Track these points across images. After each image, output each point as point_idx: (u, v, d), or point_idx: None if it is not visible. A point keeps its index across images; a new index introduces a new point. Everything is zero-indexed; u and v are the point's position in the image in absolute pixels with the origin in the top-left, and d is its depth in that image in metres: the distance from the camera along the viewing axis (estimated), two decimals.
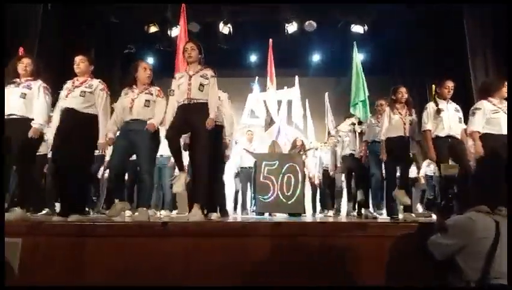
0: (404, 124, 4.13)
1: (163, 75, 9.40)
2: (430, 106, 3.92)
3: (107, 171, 5.51)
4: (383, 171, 4.44)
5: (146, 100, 3.39)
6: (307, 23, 7.78)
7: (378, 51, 8.85)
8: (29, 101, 3.28)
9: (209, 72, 3.43)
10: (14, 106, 3.21)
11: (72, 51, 3.62)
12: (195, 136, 3.33)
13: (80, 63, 3.37)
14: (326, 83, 8.85)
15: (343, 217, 5.69)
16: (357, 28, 7.84)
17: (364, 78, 5.73)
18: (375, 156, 4.43)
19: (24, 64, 3.35)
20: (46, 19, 6.07)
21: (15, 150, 3.15)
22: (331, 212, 6.13)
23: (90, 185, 4.98)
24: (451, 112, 3.88)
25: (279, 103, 7.46)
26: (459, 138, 3.82)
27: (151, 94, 3.45)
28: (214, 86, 3.43)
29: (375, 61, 9.00)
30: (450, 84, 3.91)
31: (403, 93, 4.21)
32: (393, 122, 4.15)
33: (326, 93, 7.98)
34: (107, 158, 5.27)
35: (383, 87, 9.33)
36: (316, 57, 9.14)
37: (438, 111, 3.82)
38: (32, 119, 3.25)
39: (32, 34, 5.87)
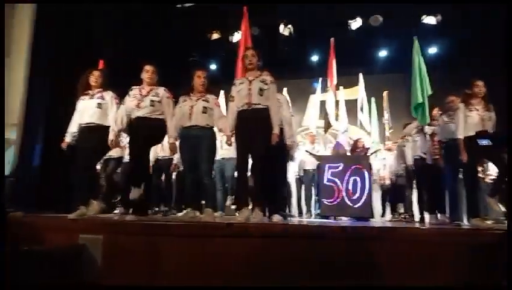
0: (483, 120, 3.72)
1: (226, 81, 9.75)
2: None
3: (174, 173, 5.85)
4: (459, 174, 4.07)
5: (204, 107, 3.54)
6: (372, 17, 7.43)
7: (454, 42, 8.09)
8: (104, 110, 3.59)
9: (268, 78, 3.44)
10: (91, 115, 3.54)
11: (137, 60, 3.89)
12: (255, 140, 3.34)
13: (152, 73, 3.60)
14: (393, 79, 8.37)
15: (414, 221, 5.32)
16: (429, 19, 7.26)
17: (425, 77, 5.25)
18: (451, 156, 4.05)
19: (95, 77, 3.68)
20: (116, 32, 6.62)
21: (89, 153, 3.45)
22: (401, 216, 5.78)
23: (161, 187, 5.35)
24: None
25: (342, 103, 7.25)
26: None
27: (208, 102, 3.59)
28: (274, 93, 3.44)
29: (450, 56, 8.26)
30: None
31: (481, 86, 3.80)
32: (469, 120, 3.77)
33: (385, 92, 7.57)
34: (174, 161, 5.59)
35: (460, 81, 8.60)
36: (382, 53, 8.66)
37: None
38: (107, 127, 3.55)
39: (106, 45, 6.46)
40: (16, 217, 3.01)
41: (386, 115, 7.68)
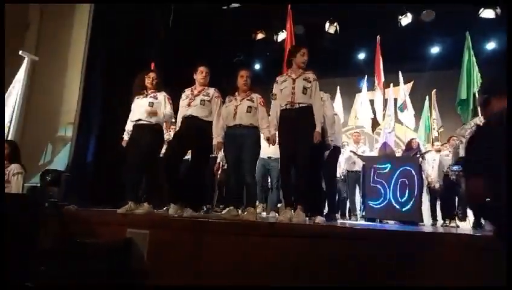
0: None
1: (271, 80, 9.76)
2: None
3: (219, 172, 5.95)
4: None
5: (248, 106, 3.58)
6: (423, 12, 7.04)
7: None
8: (155, 109, 3.76)
9: (311, 76, 3.40)
10: (143, 113, 3.70)
11: (186, 62, 4.01)
12: (299, 140, 3.29)
13: (205, 74, 3.72)
14: (446, 77, 7.88)
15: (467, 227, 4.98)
16: (487, 13, 6.75)
17: (476, 73, 4.89)
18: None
19: (151, 78, 3.86)
20: (166, 33, 6.87)
21: (142, 152, 3.61)
22: (454, 223, 5.42)
23: (207, 184, 5.44)
24: None
25: (390, 102, 6.96)
26: None
27: (253, 101, 3.62)
28: (317, 91, 3.39)
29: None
30: None
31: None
32: None
33: (434, 91, 7.14)
34: (218, 160, 5.68)
35: None
36: (434, 50, 8.17)
37: None
38: (158, 125, 3.70)
39: (158, 48, 6.73)
40: (70, 210, 3.23)
41: (435, 114, 7.25)
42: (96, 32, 5.74)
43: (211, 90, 3.68)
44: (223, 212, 4.48)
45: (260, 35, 8.13)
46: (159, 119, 3.74)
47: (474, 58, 5.14)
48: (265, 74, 9.24)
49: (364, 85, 7.82)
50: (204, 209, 5.28)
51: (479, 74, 5.01)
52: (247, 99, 3.62)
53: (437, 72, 8.02)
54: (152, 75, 3.90)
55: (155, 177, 3.76)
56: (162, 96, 3.82)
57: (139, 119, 3.72)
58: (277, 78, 3.56)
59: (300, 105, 3.30)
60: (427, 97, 7.50)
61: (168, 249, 2.61)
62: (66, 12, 5.94)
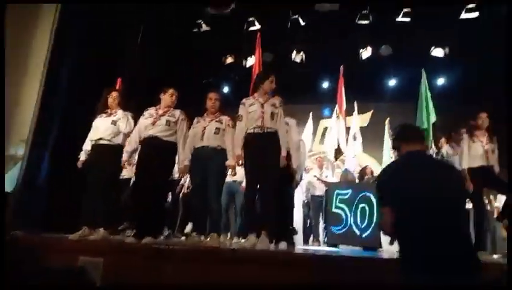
0: (486, 152, 3.72)
1: (238, 103, 9.87)
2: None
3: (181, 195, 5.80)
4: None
5: (216, 128, 3.57)
6: (382, 47, 7.52)
7: (461, 74, 8.15)
8: (117, 129, 3.66)
9: (277, 101, 3.49)
10: (104, 133, 3.58)
11: (158, 83, 3.96)
12: (266, 164, 3.32)
13: (175, 97, 3.68)
14: (403, 108, 8.36)
15: None
16: (437, 52, 7.34)
17: (431, 105, 5.35)
18: None
19: (113, 97, 3.80)
20: (134, 52, 6.78)
21: (100, 173, 3.46)
22: None
23: (166, 209, 5.26)
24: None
25: (352, 129, 7.22)
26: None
27: (221, 123, 3.62)
28: (282, 117, 3.47)
29: (457, 87, 8.29)
30: None
31: (483, 118, 3.84)
32: (472, 151, 3.77)
33: (387, 120, 7.53)
34: (182, 182, 5.56)
35: (463, 113, 8.60)
36: (392, 82, 8.73)
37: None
38: (119, 145, 3.59)
39: (127, 65, 6.61)
40: (17, 236, 3.00)
41: (389, 143, 7.61)
42: (59, 45, 5.49)
43: (177, 112, 3.65)
44: (184, 239, 4.35)
45: (229, 60, 8.26)
46: (121, 139, 3.63)
47: (429, 93, 5.57)
48: (233, 98, 9.39)
49: (327, 112, 8.10)
50: (165, 234, 5.10)
51: (433, 108, 5.41)
52: (216, 121, 3.62)
53: (394, 103, 8.52)
54: (115, 94, 3.85)
55: (113, 200, 3.61)
56: (125, 115, 3.75)
57: (100, 139, 3.60)
58: (244, 100, 3.57)
59: (268, 130, 3.35)
60: (386, 127, 7.87)
61: (124, 278, 2.48)
62: (29, 21, 5.65)
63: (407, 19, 6.52)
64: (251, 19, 6.87)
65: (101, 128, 3.64)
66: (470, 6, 6.09)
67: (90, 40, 5.78)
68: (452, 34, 7.04)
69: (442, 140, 5.04)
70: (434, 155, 4.90)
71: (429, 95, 5.56)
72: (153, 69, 7.09)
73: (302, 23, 6.96)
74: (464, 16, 6.23)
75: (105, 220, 3.55)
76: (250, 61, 8.08)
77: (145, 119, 3.59)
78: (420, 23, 6.84)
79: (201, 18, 7.05)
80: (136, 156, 3.74)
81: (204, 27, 7.21)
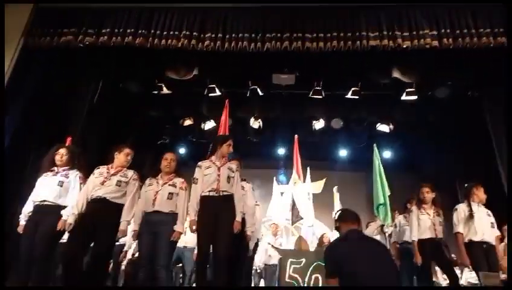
0: (434, 224, 3.94)
1: (194, 164, 9.85)
2: (461, 209, 3.77)
3: (124, 262, 5.42)
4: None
5: (169, 193, 3.42)
6: (333, 120, 8.10)
7: (405, 149, 8.95)
8: (65, 189, 3.44)
9: (234, 166, 3.55)
10: (49, 194, 3.35)
11: (112, 140, 3.86)
12: (219, 230, 3.27)
13: (131, 157, 3.57)
14: (355, 177, 8.83)
15: None
16: (383, 127, 8.04)
17: (384, 179, 5.73)
18: (407, 258, 4.17)
19: (60, 154, 3.60)
20: (92, 109, 6.64)
21: (41, 236, 3.19)
22: None
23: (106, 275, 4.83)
24: (483, 215, 3.71)
25: (305, 196, 7.38)
26: (493, 244, 3.60)
27: (175, 186, 3.47)
28: (239, 181, 3.51)
29: (403, 159, 9.04)
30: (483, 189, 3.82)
31: (424, 193, 4.10)
32: (421, 223, 3.98)
33: (335, 188, 7.85)
34: (126, 248, 5.23)
35: (412, 185, 9.24)
36: (343, 152, 9.29)
37: (471, 215, 3.66)
38: (64, 207, 3.35)
39: (78, 122, 6.38)
40: None
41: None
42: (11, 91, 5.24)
43: (130, 172, 3.52)
44: None
45: (188, 122, 8.37)
46: (68, 201, 3.40)
47: (382, 167, 5.93)
48: (190, 158, 9.37)
49: (282, 179, 8.28)
50: None
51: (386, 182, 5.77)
52: (169, 185, 3.48)
53: (345, 172, 8.98)
54: (62, 151, 3.64)
55: (49, 267, 3.28)
56: (74, 175, 3.55)
57: (44, 200, 3.34)
58: (200, 163, 3.58)
59: (224, 193, 3.34)
60: (337, 195, 8.15)
61: None
62: None
63: (356, 97, 7.16)
64: (212, 85, 7.16)
65: (46, 189, 3.40)
66: (410, 90, 6.86)
67: (43, 92, 5.62)
68: (395, 113, 7.79)
69: (395, 212, 5.29)
70: (391, 227, 5.08)
71: (382, 169, 5.93)
72: (107, 128, 6.95)
73: (261, 94, 7.37)
74: (405, 98, 6.98)
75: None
76: (209, 124, 8.28)
77: (95, 178, 3.42)
78: (367, 101, 7.56)
79: (163, 81, 7.21)
80: None
81: (165, 90, 7.36)
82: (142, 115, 8.20)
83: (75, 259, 3.13)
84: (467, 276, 6.67)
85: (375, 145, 6.16)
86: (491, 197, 6.65)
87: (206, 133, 8.38)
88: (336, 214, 2.62)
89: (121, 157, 3.53)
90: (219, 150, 3.59)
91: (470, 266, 3.66)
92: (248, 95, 7.43)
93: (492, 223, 3.78)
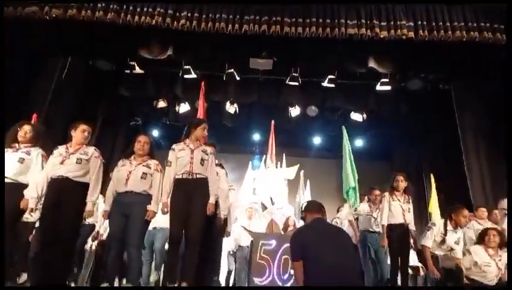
0: (403, 211, 4.11)
1: (168, 147, 9.69)
2: (438, 228, 3.91)
3: (95, 242, 5.31)
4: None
5: (143, 173, 3.35)
6: (309, 108, 8.17)
7: (376, 138, 9.19)
8: (26, 166, 3.31)
9: (209, 149, 3.52)
10: (9, 170, 3.21)
11: (80, 117, 3.72)
12: (192, 210, 3.25)
13: (88, 133, 3.41)
14: (327, 164, 9.00)
15: None
16: (356, 116, 8.21)
17: (354, 164, 5.87)
18: (365, 246, 4.42)
19: (24, 131, 3.44)
20: (61, 85, 6.36)
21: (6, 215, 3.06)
22: None
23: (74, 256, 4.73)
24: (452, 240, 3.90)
25: (280, 181, 7.45)
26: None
27: (149, 167, 3.41)
28: (213, 164, 3.49)
29: (374, 148, 9.30)
30: (466, 213, 3.98)
31: (399, 181, 4.27)
32: (392, 209, 4.15)
33: (302, 172, 7.99)
34: (97, 228, 5.13)
35: (382, 173, 9.54)
36: (317, 140, 9.43)
37: (443, 241, 3.85)
38: (26, 185, 3.22)
39: (46, 98, 6.11)
40: None
41: (302, 195, 7.95)
42: None
43: (90, 149, 3.38)
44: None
45: (162, 104, 8.18)
46: (29, 178, 3.26)
47: (352, 154, 6.06)
48: (164, 141, 9.23)
49: (257, 163, 8.32)
50: (72, 285, 4.55)
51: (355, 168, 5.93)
52: (143, 165, 3.41)
53: (319, 159, 9.15)
54: (27, 127, 3.48)
55: (12, 245, 3.15)
56: (36, 153, 3.41)
57: (6, 177, 3.19)
58: (173, 146, 3.53)
59: (197, 176, 3.32)
60: (307, 181, 8.29)
61: None
62: None
63: (332, 85, 7.24)
64: (187, 66, 7.02)
65: (8, 166, 3.23)
66: (384, 80, 7.01)
67: (8, 66, 5.32)
68: (369, 103, 7.96)
69: (364, 198, 5.42)
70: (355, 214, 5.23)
71: (350, 155, 6.06)
72: (76, 106, 6.67)
73: (237, 78, 7.30)
74: (379, 88, 7.13)
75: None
76: (184, 107, 8.14)
77: (54, 158, 3.27)
78: (342, 90, 7.68)
79: (135, 60, 6.98)
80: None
81: (138, 69, 7.13)
82: (114, 95, 7.94)
83: (49, 245, 3.03)
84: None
85: (343, 127, 6.26)
86: (454, 189, 7.11)
87: (180, 116, 8.23)
88: (302, 205, 2.80)
89: (78, 134, 3.35)
90: (193, 133, 3.53)
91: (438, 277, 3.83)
92: (224, 78, 7.35)
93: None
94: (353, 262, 2.47)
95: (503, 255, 3.75)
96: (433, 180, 7.44)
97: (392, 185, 4.30)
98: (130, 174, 3.33)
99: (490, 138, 6.45)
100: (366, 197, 5.38)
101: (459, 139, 6.73)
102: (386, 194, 4.30)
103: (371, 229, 4.80)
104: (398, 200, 4.21)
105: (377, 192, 4.98)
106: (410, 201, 4.29)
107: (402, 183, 4.27)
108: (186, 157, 3.37)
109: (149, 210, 3.26)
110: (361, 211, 5.10)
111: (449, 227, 3.87)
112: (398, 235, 4.07)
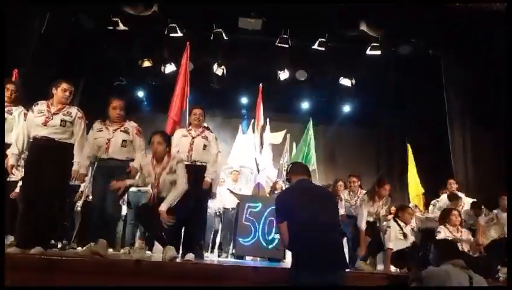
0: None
1: (153, 109, 9.53)
2: (393, 228, 4.04)
3: (80, 203, 5.33)
4: None
5: (123, 140, 3.27)
6: (298, 71, 8.05)
7: (364, 104, 9.20)
8: (9, 126, 3.22)
9: (210, 135, 3.74)
10: None
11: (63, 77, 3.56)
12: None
13: (70, 93, 3.25)
14: (315, 130, 9.02)
15: None
16: (345, 81, 8.15)
17: (312, 152, 6.57)
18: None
19: (9, 91, 3.33)
20: (42, 42, 6.05)
21: None
22: None
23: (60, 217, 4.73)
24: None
25: (265, 145, 7.49)
26: None
27: (128, 133, 3.32)
28: (215, 147, 3.72)
29: (361, 114, 9.34)
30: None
31: (387, 190, 4.15)
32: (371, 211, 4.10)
33: (288, 136, 8.04)
34: (82, 189, 5.12)
35: (367, 139, 9.68)
36: (305, 105, 9.40)
37: (405, 235, 4.03)
38: (9, 145, 3.14)
39: (27, 55, 5.83)
40: None
41: (286, 158, 8.05)
42: None
43: (73, 110, 3.22)
44: (81, 249, 3.97)
45: (147, 63, 7.93)
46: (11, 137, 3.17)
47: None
48: (148, 101, 9.06)
49: (244, 127, 8.29)
50: (60, 245, 4.59)
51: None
52: (121, 131, 3.30)
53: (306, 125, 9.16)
54: (11, 87, 3.36)
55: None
56: (18, 112, 3.30)
57: None
58: (177, 131, 3.91)
59: (197, 163, 3.63)
60: (294, 145, 8.36)
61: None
62: None
63: (322, 48, 7.11)
64: (173, 25, 6.73)
65: None
66: (375, 44, 6.92)
67: None
68: (359, 68, 7.90)
69: (340, 184, 5.28)
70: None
71: (313, 143, 6.33)
72: (59, 64, 6.39)
73: (226, 38, 7.08)
74: (369, 52, 7.04)
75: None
76: (170, 68, 7.91)
77: (35, 117, 3.11)
78: (332, 55, 7.55)
79: (119, 16, 6.63)
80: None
81: (121, 26, 6.80)
82: (97, 53, 7.63)
83: (33, 205, 2.99)
84: None
85: (311, 118, 6.91)
86: (436, 160, 7.29)
87: (166, 76, 8.01)
88: (287, 167, 2.70)
89: (59, 93, 3.18)
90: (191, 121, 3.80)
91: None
92: (212, 38, 7.11)
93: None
94: (335, 223, 2.46)
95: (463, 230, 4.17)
96: (410, 152, 7.57)
97: (376, 189, 4.12)
98: (109, 142, 3.24)
99: (475, 112, 6.51)
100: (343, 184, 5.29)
101: (445, 110, 6.82)
102: (366, 198, 4.15)
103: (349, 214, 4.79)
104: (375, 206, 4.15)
105: (355, 179, 4.96)
106: (389, 201, 4.30)
107: (386, 192, 4.14)
108: (186, 144, 3.67)
109: (132, 166, 3.23)
110: (342, 197, 5.04)
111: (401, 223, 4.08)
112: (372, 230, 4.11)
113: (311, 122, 7.17)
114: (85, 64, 7.45)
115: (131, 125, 3.38)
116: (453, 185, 5.59)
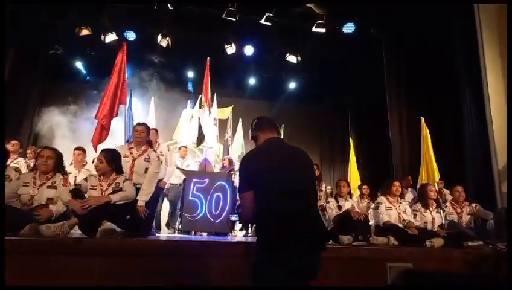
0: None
1: (91, 80, 8.95)
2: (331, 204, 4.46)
3: None
4: None
5: (48, 199, 3.08)
6: (245, 47, 8.03)
7: (309, 80, 9.49)
8: None
9: (152, 155, 3.65)
10: None
11: None
12: None
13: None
14: (259, 106, 9.18)
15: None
16: (291, 58, 8.30)
17: None
18: None
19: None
20: None
21: None
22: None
23: None
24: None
25: (212, 121, 7.48)
26: None
27: (55, 188, 3.13)
28: (154, 166, 3.59)
29: (306, 90, 9.64)
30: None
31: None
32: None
33: (231, 110, 8.13)
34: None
35: (311, 116, 10.02)
36: (251, 80, 9.46)
37: (339, 207, 4.40)
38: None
39: None
40: None
41: (229, 133, 8.18)
42: None
43: (58, 178, 3.17)
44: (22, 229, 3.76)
45: (85, 32, 7.38)
46: None
47: None
48: (87, 72, 8.51)
49: (190, 102, 8.18)
50: None
51: None
52: (48, 187, 3.13)
53: (252, 101, 9.29)
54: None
55: None
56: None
57: None
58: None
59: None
60: (239, 120, 8.45)
61: None
62: None
63: (269, 23, 7.12)
64: None
65: None
66: (320, 22, 7.08)
67: None
68: (304, 45, 8.05)
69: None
70: None
71: None
72: None
73: (170, 8, 6.80)
74: (315, 29, 7.20)
75: None
76: (110, 37, 7.46)
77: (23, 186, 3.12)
78: (279, 31, 7.60)
79: None
80: None
81: None
82: (31, 19, 6.92)
83: None
84: None
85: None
86: (377, 147, 7.80)
87: (107, 46, 7.54)
88: (252, 122, 2.19)
89: (40, 162, 3.14)
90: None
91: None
92: (156, 8, 6.79)
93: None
94: (313, 189, 2.02)
95: (402, 202, 4.48)
96: (351, 141, 8.05)
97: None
98: (33, 199, 3.07)
99: (413, 100, 6.97)
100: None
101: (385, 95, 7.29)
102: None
103: None
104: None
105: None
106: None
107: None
108: (127, 165, 3.57)
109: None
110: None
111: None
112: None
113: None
114: (17, 32, 6.76)
115: (58, 177, 3.20)
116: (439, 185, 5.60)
